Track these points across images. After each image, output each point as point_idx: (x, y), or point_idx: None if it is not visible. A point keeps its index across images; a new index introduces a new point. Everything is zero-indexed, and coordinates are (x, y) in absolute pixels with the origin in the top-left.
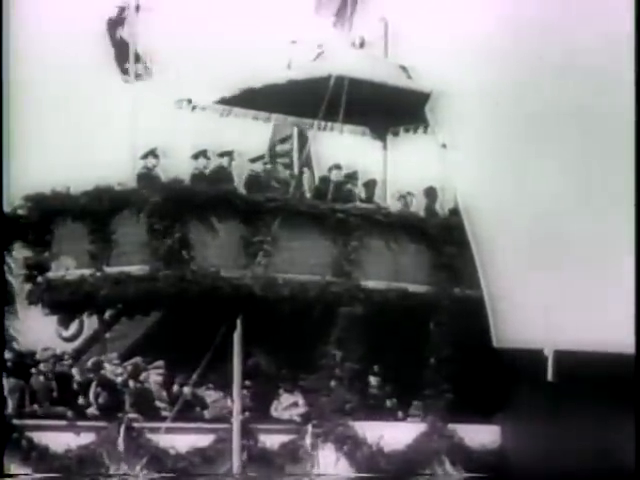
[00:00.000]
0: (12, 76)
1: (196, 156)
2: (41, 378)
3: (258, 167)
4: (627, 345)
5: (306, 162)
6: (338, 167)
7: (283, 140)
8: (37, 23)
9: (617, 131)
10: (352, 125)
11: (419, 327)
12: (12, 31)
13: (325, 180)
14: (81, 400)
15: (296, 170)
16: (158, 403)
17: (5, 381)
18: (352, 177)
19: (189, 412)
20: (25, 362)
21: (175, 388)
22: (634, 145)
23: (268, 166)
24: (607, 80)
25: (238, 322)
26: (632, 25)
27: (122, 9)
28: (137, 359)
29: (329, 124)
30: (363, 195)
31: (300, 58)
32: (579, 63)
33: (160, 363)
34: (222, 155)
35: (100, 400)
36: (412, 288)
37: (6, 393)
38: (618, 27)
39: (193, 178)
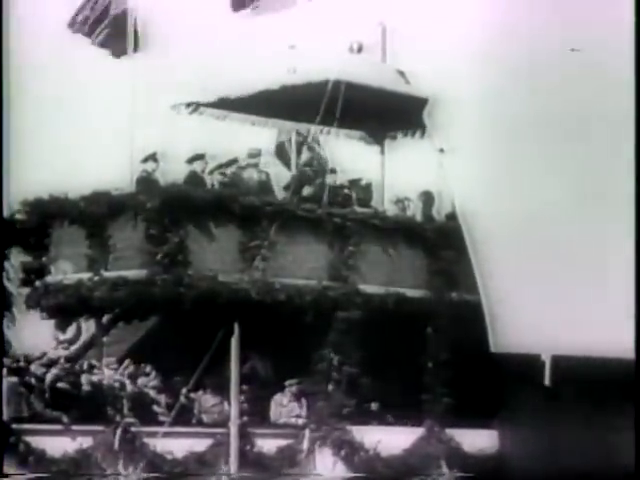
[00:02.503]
0: (11, 80)
1: (192, 160)
2: (38, 382)
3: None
4: (626, 350)
5: (320, 164)
6: (333, 171)
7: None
8: (37, 26)
9: (616, 133)
10: (350, 130)
11: (416, 332)
12: (12, 33)
13: (321, 185)
14: (78, 404)
15: (294, 172)
16: (155, 407)
17: (3, 385)
18: (352, 183)
19: (186, 416)
20: (22, 366)
21: (172, 392)
22: (634, 147)
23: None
24: (606, 82)
25: (235, 326)
26: (632, 25)
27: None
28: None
29: (326, 129)
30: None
31: (298, 63)
32: (577, 65)
33: (157, 368)
34: (193, 160)
35: (96, 404)
36: (409, 293)
37: (3, 397)
38: (618, 27)
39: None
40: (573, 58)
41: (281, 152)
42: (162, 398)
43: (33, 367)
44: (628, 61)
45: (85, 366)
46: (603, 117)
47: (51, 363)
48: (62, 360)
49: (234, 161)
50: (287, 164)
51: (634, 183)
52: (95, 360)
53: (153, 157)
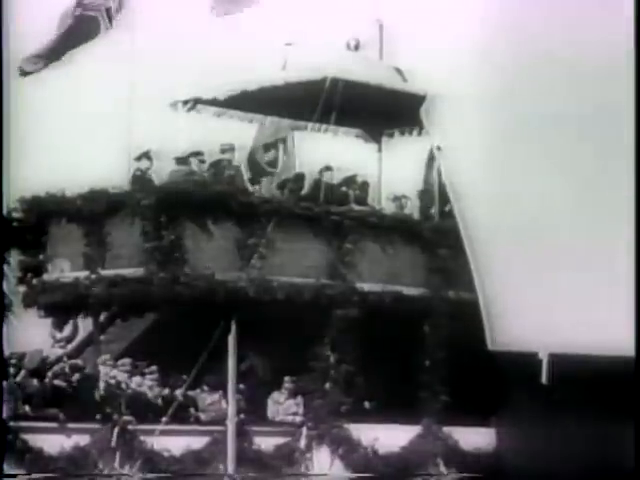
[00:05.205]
0: (11, 79)
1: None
2: (35, 380)
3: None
4: (625, 347)
5: (289, 160)
6: (329, 169)
7: (268, 141)
8: (36, 25)
9: (616, 132)
10: (347, 127)
11: (414, 329)
12: (12, 32)
13: (317, 182)
14: (75, 402)
15: (279, 169)
16: (152, 405)
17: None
18: (350, 181)
19: (184, 414)
20: (19, 364)
21: (169, 390)
22: (633, 145)
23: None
24: (606, 80)
25: (232, 324)
26: (632, 25)
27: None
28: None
29: (324, 126)
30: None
31: (295, 60)
32: (576, 64)
33: (154, 366)
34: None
35: (93, 402)
36: (407, 291)
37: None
38: (618, 27)
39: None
40: (572, 57)
41: (254, 156)
42: (160, 396)
43: (30, 365)
44: (628, 61)
45: (82, 364)
46: (603, 115)
47: (48, 361)
48: (59, 358)
49: (198, 154)
50: (256, 169)
51: (634, 182)
52: (92, 358)
53: (147, 155)
